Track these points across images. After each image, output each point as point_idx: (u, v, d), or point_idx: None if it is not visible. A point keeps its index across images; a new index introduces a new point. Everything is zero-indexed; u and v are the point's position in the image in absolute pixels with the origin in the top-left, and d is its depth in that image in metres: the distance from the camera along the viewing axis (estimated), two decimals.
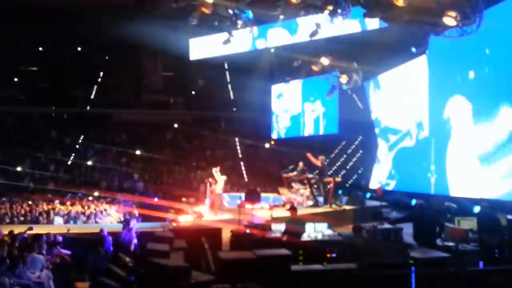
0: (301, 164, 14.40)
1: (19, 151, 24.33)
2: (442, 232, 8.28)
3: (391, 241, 8.03)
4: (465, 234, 8.27)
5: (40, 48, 28.51)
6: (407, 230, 8.56)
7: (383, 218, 12.18)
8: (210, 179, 15.38)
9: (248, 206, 12.68)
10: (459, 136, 12.65)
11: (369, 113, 18.09)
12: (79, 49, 30.08)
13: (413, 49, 12.88)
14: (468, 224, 9.05)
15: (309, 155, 13.68)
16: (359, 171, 19.14)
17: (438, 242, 8.14)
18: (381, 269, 6.22)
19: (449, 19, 9.58)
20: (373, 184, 17.57)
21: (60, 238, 11.84)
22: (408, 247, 7.84)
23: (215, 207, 14.55)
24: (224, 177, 15.11)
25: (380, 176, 17.39)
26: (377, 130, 17.76)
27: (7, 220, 17.17)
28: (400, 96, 16.08)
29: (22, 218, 17.61)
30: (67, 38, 26.38)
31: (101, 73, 28.58)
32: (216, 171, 15.13)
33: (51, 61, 27.99)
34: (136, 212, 18.44)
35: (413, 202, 13.18)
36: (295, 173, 14.48)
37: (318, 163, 13.53)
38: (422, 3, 9.86)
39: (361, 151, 19.61)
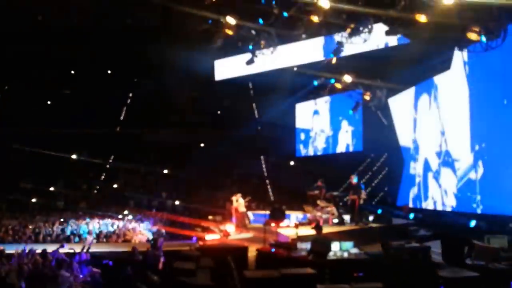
0: (319, 182, 14.50)
1: (51, 172, 25.10)
2: (472, 251, 8.13)
3: (419, 260, 7.91)
4: (496, 252, 8.12)
5: (72, 72, 29.48)
6: (435, 249, 8.44)
7: (410, 236, 12.01)
8: (233, 198, 15.59)
9: (273, 224, 12.72)
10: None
11: (393, 130, 17.93)
12: (108, 71, 31.02)
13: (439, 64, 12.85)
14: (499, 242, 8.85)
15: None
16: (385, 189, 18.90)
17: (468, 261, 7.99)
18: None
19: (473, 34, 9.54)
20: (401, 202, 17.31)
21: (89, 257, 12.07)
22: (436, 266, 7.71)
23: (240, 225, 14.66)
24: (241, 200, 15.42)
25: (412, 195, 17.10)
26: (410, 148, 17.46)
27: (40, 239, 17.59)
28: (429, 112, 15.83)
29: (54, 237, 18.01)
30: (96, 60, 27.21)
31: (130, 95, 29.28)
32: (236, 199, 15.40)
33: (81, 83, 28.90)
34: (163, 230, 18.64)
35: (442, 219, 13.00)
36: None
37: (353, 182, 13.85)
38: (444, 19, 9.85)
39: (386, 169, 19.39)
